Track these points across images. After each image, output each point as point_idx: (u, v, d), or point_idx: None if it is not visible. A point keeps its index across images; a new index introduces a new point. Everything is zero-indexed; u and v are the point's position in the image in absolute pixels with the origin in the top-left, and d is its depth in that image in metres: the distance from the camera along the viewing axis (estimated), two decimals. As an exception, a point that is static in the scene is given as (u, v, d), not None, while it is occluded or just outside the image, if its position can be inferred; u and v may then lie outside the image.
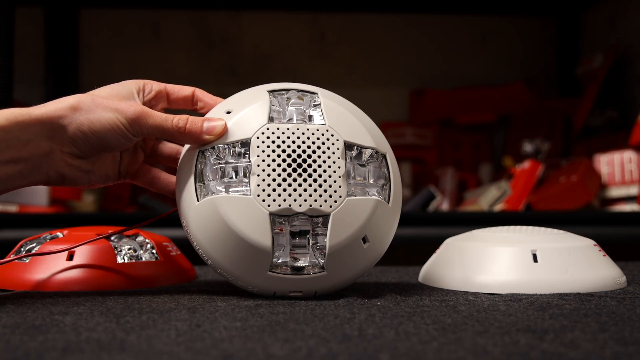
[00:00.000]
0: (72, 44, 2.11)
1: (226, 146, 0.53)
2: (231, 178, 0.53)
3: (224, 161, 0.53)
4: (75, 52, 2.11)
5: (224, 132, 0.53)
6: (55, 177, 0.53)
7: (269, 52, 2.17)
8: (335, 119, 0.54)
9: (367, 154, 0.54)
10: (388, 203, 0.54)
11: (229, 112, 0.54)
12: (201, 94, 0.60)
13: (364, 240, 0.53)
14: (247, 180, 0.52)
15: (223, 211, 0.51)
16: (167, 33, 2.16)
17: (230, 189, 0.52)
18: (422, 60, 2.22)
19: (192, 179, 0.53)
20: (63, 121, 0.51)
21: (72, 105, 0.52)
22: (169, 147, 0.61)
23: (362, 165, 0.54)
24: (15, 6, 1.19)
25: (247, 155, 0.52)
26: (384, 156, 0.55)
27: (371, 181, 0.54)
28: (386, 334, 0.40)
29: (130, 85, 0.56)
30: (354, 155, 0.54)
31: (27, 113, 0.50)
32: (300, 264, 0.52)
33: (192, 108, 0.60)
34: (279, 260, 0.52)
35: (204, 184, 0.53)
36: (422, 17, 2.23)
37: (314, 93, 0.56)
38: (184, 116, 0.54)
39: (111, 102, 0.53)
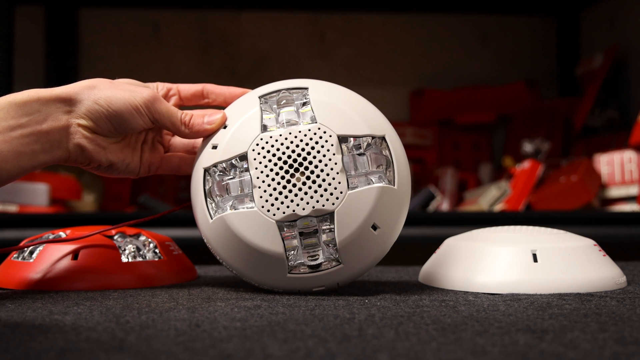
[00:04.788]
0: (72, 44, 2.11)
1: (226, 162, 0.55)
2: (237, 193, 0.54)
3: (227, 177, 0.55)
4: (75, 52, 2.11)
5: (224, 120, 0.56)
6: (75, 151, 0.55)
7: (268, 52, 2.17)
8: (326, 114, 0.54)
9: (364, 142, 0.54)
10: (394, 185, 0.54)
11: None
12: (210, 88, 0.63)
13: (374, 227, 0.53)
14: (251, 192, 0.53)
15: (234, 227, 0.53)
16: (167, 33, 2.15)
17: (237, 204, 0.54)
18: (422, 60, 2.22)
19: (202, 199, 0.55)
20: (80, 96, 0.55)
21: (90, 84, 0.55)
22: (184, 140, 0.64)
23: (361, 155, 0.54)
24: (15, 6, 1.19)
25: (247, 169, 0.54)
26: (383, 138, 0.55)
27: (373, 168, 0.54)
28: (386, 334, 0.40)
29: (140, 83, 0.59)
30: (350, 146, 0.54)
31: (48, 90, 0.54)
32: (316, 261, 0.54)
33: (203, 102, 0.63)
34: (296, 262, 0.54)
35: (214, 201, 0.55)
36: (422, 17, 2.23)
37: (304, 88, 0.56)
38: (190, 112, 0.58)
39: (127, 86, 0.57)
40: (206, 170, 0.56)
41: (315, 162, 0.53)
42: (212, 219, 0.55)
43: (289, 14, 2.19)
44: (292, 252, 0.54)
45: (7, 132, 0.51)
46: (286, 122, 0.54)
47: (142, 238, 0.65)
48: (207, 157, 0.56)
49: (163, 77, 0.61)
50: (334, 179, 0.52)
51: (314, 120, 0.54)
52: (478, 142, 2.15)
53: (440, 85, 2.19)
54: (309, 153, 0.53)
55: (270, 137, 0.53)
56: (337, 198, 0.52)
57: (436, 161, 2.09)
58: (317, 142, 0.53)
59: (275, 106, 0.56)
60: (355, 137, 0.54)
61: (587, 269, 0.58)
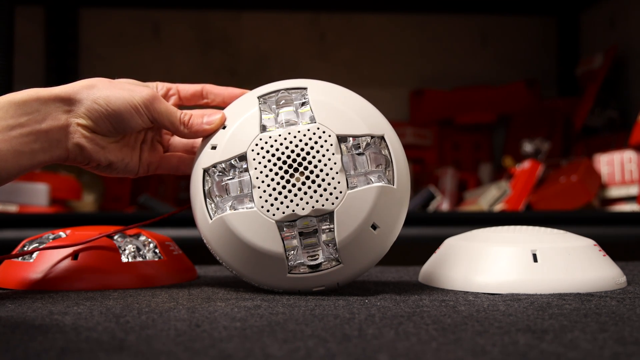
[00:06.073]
0: (72, 44, 2.11)
1: (226, 162, 0.55)
2: (236, 193, 0.54)
3: (226, 178, 0.55)
4: (75, 52, 2.11)
5: (224, 120, 0.56)
6: (74, 150, 0.55)
7: (269, 52, 2.17)
8: (325, 114, 0.54)
9: (363, 141, 0.54)
10: (393, 185, 0.54)
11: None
12: (210, 88, 0.63)
13: (374, 227, 0.53)
14: (250, 193, 0.53)
15: (234, 227, 0.53)
16: (167, 33, 2.15)
17: (237, 204, 0.54)
18: (422, 60, 2.22)
19: (202, 199, 0.55)
20: (79, 95, 0.55)
21: (89, 84, 0.55)
22: (183, 140, 0.63)
23: (361, 154, 0.54)
24: (15, 6, 1.19)
25: (246, 169, 0.54)
26: (382, 138, 0.55)
27: (372, 168, 0.54)
28: (386, 334, 0.40)
29: (140, 82, 0.59)
30: (349, 146, 0.54)
31: (48, 90, 0.54)
32: (316, 261, 0.54)
33: (202, 102, 0.63)
34: (295, 262, 0.54)
35: (213, 202, 0.55)
36: (422, 17, 2.23)
37: (303, 88, 0.56)
38: (189, 112, 0.58)
39: (126, 85, 0.57)
40: (205, 170, 0.56)
41: (314, 162, 0.53)
42: (211, 219, 0.55)
43: (289, 14, 2.19)
44: (292, 252, 0.54)
45: (7, 131, 0.51)
46: (285, 122, 0.54)
47: (142, 238, 0.65)
48: (206, 158, 0.56)
49: (163, 77, 0.61)
50: (333, 178, 0.53)
51: (313, 120, 0.54)
52: (478, 142, 2.15)
53: (440, 85, 2.19)
54: (308, 153, 0.53)
55: (270, 137, 0.53)
56: (337, 198, 0.52)
57: (436, 161, 2.09)
58: (316, 142, 0.53)
59: (274, 106, 0.56)
60: (354, 136, 0.54)
61: (587, 269, 0.58)
